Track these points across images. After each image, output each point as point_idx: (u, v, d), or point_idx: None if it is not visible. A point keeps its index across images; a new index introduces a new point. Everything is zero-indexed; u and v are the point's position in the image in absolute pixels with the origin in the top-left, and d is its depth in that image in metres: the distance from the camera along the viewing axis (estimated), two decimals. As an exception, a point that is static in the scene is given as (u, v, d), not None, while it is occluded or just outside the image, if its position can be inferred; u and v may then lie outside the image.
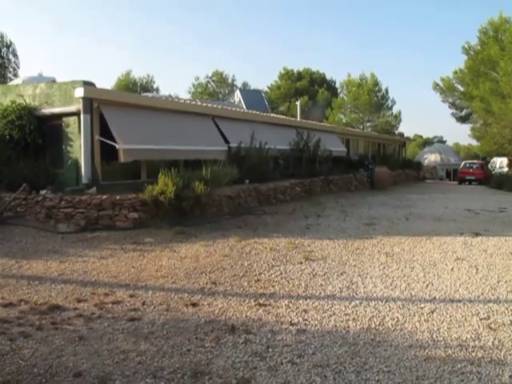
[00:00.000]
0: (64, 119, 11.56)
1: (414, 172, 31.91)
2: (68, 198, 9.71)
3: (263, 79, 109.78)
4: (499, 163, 31.71)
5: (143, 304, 5.27)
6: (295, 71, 53.41)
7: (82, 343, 4.22)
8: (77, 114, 11.03)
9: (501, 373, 3.70)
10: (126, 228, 9.49)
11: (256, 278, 6.34)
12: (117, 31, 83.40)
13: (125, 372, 3.66)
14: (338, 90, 50.43)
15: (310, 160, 18.51)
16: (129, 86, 47.71)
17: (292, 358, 3.93)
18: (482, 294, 5.71)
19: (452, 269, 6.91)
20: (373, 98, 43.10)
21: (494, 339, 4.36)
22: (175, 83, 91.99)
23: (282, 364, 3.84)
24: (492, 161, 33.89)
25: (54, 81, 14.25)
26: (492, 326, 4.68)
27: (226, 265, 6.98)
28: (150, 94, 26.56)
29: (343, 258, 7.48)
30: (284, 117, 24.68)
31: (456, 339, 4.35)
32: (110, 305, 5.23)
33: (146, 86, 49.43)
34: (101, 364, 3.80)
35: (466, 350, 4.12)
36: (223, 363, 3.84)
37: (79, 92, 10.77)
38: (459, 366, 3.81)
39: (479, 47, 32.08)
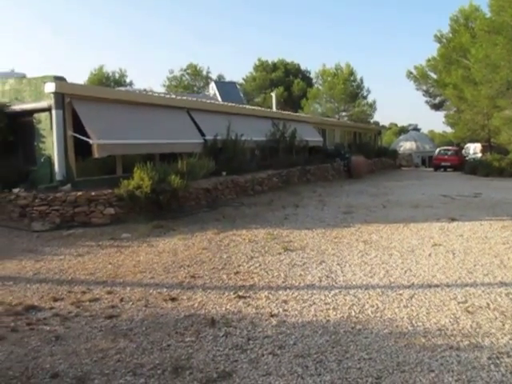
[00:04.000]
0: (35, 115, 11.31)
1: (390, 160, 32.24)
2: (42, 195, 9.55)
3: (239, 71, 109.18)
4: (473, 149, 32.20)
5: (121, 301, 5.19)
6: (270, 62, 53.26)
7: (58, 343, 4.13)
8: (48, 109, 10.80)
9: (479, 355, 3.75)
10: (102, 224, 9.39)
11: (235, 270, 6.32)
12: (89, 23, 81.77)
13: (104, 370, 3.59)
14: (313, 80, 50.51)
15: (286, 150, 18.56)
16: (102, 80, 46.88)
17: (273, 350, 3.91)
18: (460, 278, 5.79)
19: (429, 254, 6.98)
20: (348, 88, 43.12)
21: (472, 322, 4.41)
22: (149, 77, 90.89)
23: (263, 356, 3.82)
24: (466, 147, 34.35)
25: (24, 76, 13.89)
26: (470, 309, 4.74)
27: (205, 258, 6.95)
28: (123, 88, 26.21)
29: (322, 248, 7.50)
30: (260, 108, 24.75)
31: (435, 324, 4.38)
32: (88, 303, 5.14)
33: (120, 81, 48.67)
34: (79, 364, 3.72)
35: (445, 334, 4.16)
36: (204, 357, 3.80)
37: (50, 87, 10.55)
38: (439, 350, 3.84)
39: (451, 35, 32.45)
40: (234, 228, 9.16)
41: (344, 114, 45.05)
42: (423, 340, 4.04)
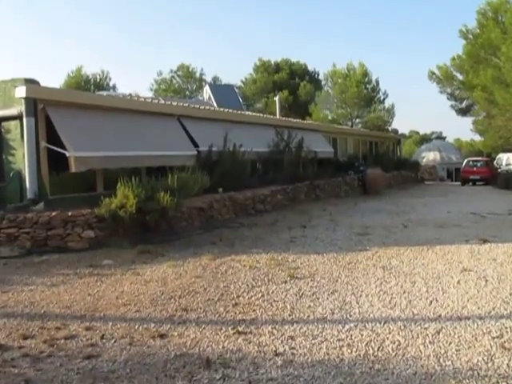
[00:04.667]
0: (4, 124, 11.36)
1: (410, 173, 32.35)
2: (10, 216, 9.50)
3: (237, 72, 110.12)
4: (506, 160, 31.74)
5: (102, 338, 5.13)
6: (272, 62, 53.75)
7: (28, 388, 4.06)
8: (19, 117, 10.84)
9: (518, 400, 3.69)
10: (80, 249, 9.37)
11: (234, 301, 6.28)
12: (64, 21, 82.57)
13: (81, 421, 3.54)
14: (323, 83, 50.88)
15: (292, 163, 18.69)
16: (80, 83, 47.23)
17: (278, 395, 3.86)
18: (494, 309, 5.73)
19: (458, 281, 6.93)
20: (362, 91, 43.39)
21: (509, 361, 4.34)
22: (135, 80, 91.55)
23: (267, 402, 3.77)
24: (498, 157, 34.09)
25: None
26: (506, 345, 4.68)
27: (199, 287, 6.93)
28: (105, 93, 26.36)
29: (334, 275, 7.49)
30: (261, 115, 25.00)
31: (466, 363, 4.33)
32: (63, 340, 5.07)
33: (101, 84, 49.08)
34: (52, 412, 3.67)
35: (478, 375, 4.09)
36: (198, 404, 3.75)
37: (21, 92, 10.58)
38: (471, 393, 3.78)
39: (478, 30, 32.47)
40: (232, 253, 9.19)
41: (358, 120, 45.38)
42: (453, 382, 3.98)
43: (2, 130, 11.38)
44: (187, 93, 51.65)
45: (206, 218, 12.47)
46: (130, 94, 23.97)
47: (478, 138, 44.43)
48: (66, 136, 10.83)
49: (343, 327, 5.28)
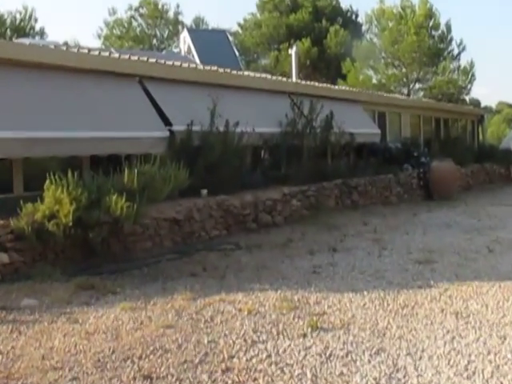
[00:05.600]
0: None
1: (499, 167, 31.99)
2: None
3: (231, 12, 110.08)
4: None
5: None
6: (287, -3, 53.44)
7: None
8: None
9: None
10: (-15, 282, 9.36)
11: (224, 365, 6.23)
12: None
13: None
14: (364, 28, 50.58)
15: (316, 152, 18.69)
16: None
17: None
18: None
19: None
20: (425, 41, 42.99)
21: None
22: (73, 22, 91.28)
23: None
24: None
25: None
26: None
27: (171, 343, 6.89)
28: (27, 41, 26.24)
29: (380, 325, 7.47)
30: (269, 77, 24.43)
31: None
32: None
33: (22, 28, 48.91)
34: None
35: None
36: None
37: None
38: None
39: None
40: (222, 290, 9.21)
41: (418, 86, 45.20)
42: None
43: None
44: (155, 42, 51.51)
45: (183, 235, 12.52)
46: (66, 44, 23.84)
47: None
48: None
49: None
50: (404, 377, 5.87)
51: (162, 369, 6.16)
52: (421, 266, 10.71)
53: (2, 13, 49.11)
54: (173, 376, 5.98)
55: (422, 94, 44.01)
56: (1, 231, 9.71)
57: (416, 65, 43.91)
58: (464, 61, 45.79)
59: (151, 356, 6.51)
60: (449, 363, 6.20)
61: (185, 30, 35.89)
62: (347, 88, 31.19)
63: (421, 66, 44.03)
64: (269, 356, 6.51)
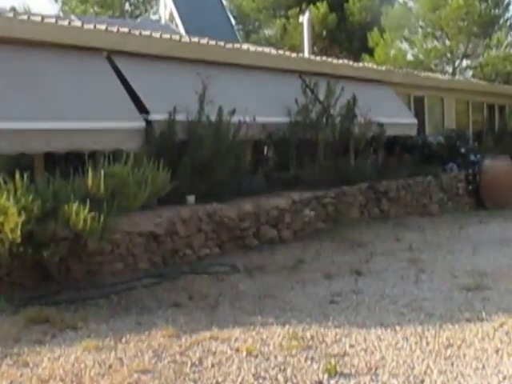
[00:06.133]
0: None
1: None
2: None
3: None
4: None
5: None
6: None
7: None
8: None
9: None
10: None
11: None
12: None
13: None
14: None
15: (334, 147, 17.32)
16: None
17: None
18: None
19: None
20: (475, 5, 39.58)
21: None
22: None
23: None
24: None
25: None
26: None
27: (147, 394, 6.47)
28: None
29: (416, 370, 6.69)
30: (274, 51, 22.60)
31: None
32: None
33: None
34: None
35: None
36: None
37: None
38: None
39: None
40: (213, 324, 8.38)
41: (466, 63, 42.67)
42: None
43: None
44: (128, 7, 49.38)
45: (163, 254, 11.57)
46: (14, 10, 22.56)
47: None
48: None
49: None
50: None
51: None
52: (469, 294, 9.71)
53: None
54: None
55: (470, 73, 41.39)
56: None
57: (463, 36, 39.73)
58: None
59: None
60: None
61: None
62: (374, 66, 28.40)
63: (469, 37, 40.07)
64: (274, 412, 6.39)
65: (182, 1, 27.82)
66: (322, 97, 17.28)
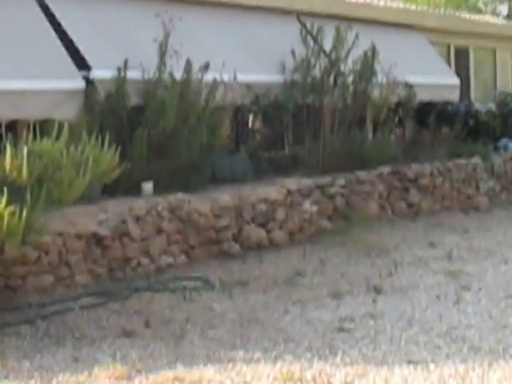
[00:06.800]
0: None
1: None
2: None
3: None
4: None
5: None
6: None
7: None
8: None
9: None
10: None
11: None
12: None
13: None
14: None
15: (345, 117, 15.10)
16: None
17: None
18: None
19: None
20: None
21: None
22: None
23: None
24: None
25: None
26: None
27: None
28: None
29: None
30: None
31: None
32: None
33: None
34: None
35: None
36: None
37: None
38: None
39: None
40: (178, 360, 7.25)
41: None
42: None
43: None
44: None
45: (110, 263, 10.10)
46: None
47: None
48: None
49: None
50: None
51: None
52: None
53: None
54: None
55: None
56: None
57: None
58: None
59: None
60: None
61: None
62: (401, 5, 25.73)
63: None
64: None
65: None
66: (328, 47, 14.66)
